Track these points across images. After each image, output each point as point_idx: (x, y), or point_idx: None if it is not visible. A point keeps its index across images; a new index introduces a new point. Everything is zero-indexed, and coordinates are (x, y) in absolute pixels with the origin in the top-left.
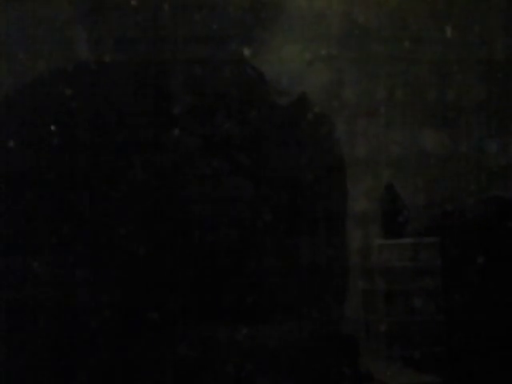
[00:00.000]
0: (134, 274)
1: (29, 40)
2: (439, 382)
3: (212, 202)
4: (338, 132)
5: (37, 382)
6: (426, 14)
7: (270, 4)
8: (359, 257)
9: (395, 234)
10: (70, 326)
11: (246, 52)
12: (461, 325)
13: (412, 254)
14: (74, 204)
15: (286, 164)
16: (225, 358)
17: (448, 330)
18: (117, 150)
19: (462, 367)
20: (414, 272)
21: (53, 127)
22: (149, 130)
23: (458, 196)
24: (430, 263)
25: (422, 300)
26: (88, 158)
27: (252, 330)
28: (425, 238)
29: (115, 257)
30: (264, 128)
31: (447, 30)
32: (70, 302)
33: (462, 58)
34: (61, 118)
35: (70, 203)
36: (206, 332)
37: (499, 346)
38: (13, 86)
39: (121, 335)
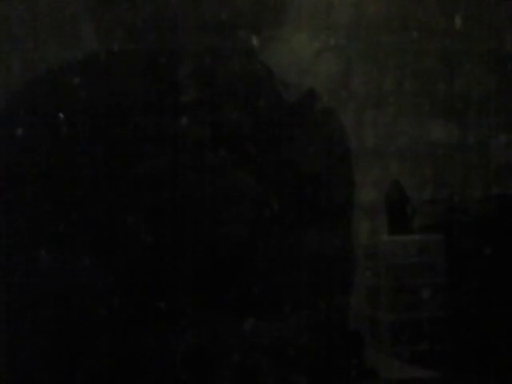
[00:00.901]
0: (141, 266)
1: (37, 31)
2: (444, 377)
3: (219, 193)
4: (345, 125)
5: (46, 372)
6: (435, 5)
7: None
8: (365, 252)
9: (401, 230)
10: (75, 317)
11: (255, 41)
12: (467, 321)
13: (418, 250)
14: (84, 195)
15: (293, 156)
16: (230, 348)
17: (454, 326)
18: (124, 140)
19: (468, 363)
20: (420, 268)
21: (64, 117)
22: (156, 119)
23: (465, 191)
24: (436, 259)
25: (427, 296)
26: (96, 149)
27: (257, 322)
28: (431, 234)
29: (124, 248)
30: (271, 120)
31: (456, 20)
32: (75, 292)
33: (472, 48)
34: (73, 109)
35: (79, 194)
36: (212, 323)
37: (506, 343)
38: (24, 77)
39: (128, 325)
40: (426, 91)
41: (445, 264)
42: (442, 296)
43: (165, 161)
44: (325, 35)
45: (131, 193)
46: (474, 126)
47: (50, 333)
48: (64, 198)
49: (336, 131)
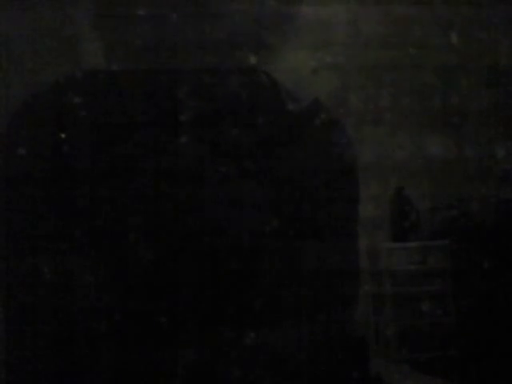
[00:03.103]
0: (142, 279)
1: (38, 49)
2: None
3: (221, 207)
4: (351, 137)
5: None
6: (431, 21)
7: (277, 13)
8: (368, 260)
9: (404, 238)
10: (74, 330)
11: (253, 60)
12: (470, 328)
13: (421, 258)
14: (84, 209)
15: (298, 169)
16: (233, 362)
17: (457, 334)
18: (126, 157)
19: (470, 371)
20: (423, 275)
21: (64, 135)
22: (159, 136)
23: (468, 200)
24: (439, 267)
25: (430, 303)
26: (98, 165)
27: (261, 335)
28: (434, 242)
29: (124, 261)
30: (277, 134)
31: (452, 36)
32: (75, 305)
33: (467, 64)
34: (73, 126)
35: (79, 209)
36: (214, 336)
37: (508, 350)
38: (25, 94)
39: (128, 339)
40: (424, 106)
41: (448, 271)
42: (446, 303)
43: (164, 174)
44: (322, 53)
45: (133, 207)
46: (471, 139)
47: (50, 347)
48: (64, 214)
49: (342, 142)
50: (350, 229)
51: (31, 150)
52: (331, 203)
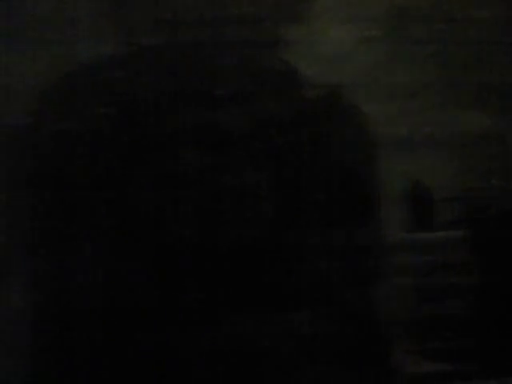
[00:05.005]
0: (178, 259)
1: (69, 25)
2: (469, 375)
3: (251, 187)
4: (370, 122)
5: (85, 355)
6: None
7: None
8: (387, 250)
9: (423, 228)
10: (113, 308)
11: (285, 34)
12: (491, 320)
13: (441, 248)
14: (117, 188)
15: (321, 151)
16: (259, 341)
17: (478, 325)
18: (157, 135)
19: (492, 361)
20: (442, 266)
21: (100, 112)
22: (187, 112)
23: (491, 186)
24: (459, 257)
25: (450, 295)
26: (128, 143)
27: (284, 315)
28: (454, 232)
29: (156, 245)
30: (297, 118)
31: (493, 9)
32: (112, 283)
33: (503, 38)
34: (107, 103)
35: (113, 187)
36: (245, 316)
37: None
38: (57, 73)
39: (165, 317)
40: (462, 81)
41: (466, 262)
42: (462, 295)
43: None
44: (361, 27)
45: (168, 185)
46: (501, 115)
47: (86, 326)
48: (100, 193)
49: (360, 128)
50: (366, 212)
51: (66, 129)
52: (352, 184)
